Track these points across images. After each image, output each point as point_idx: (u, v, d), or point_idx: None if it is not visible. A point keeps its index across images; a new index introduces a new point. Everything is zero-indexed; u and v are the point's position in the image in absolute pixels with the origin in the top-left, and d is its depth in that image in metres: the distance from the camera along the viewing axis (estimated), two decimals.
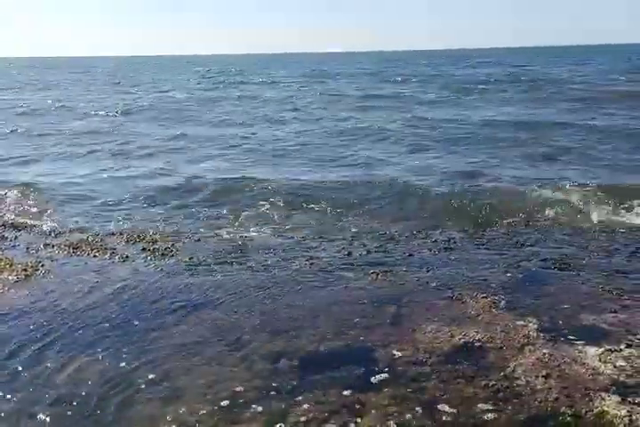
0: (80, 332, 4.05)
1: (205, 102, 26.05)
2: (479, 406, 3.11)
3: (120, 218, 7.63)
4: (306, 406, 3.14)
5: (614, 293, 4.51)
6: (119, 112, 22.27)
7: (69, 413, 3.14)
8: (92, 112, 22.49)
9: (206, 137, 15.65)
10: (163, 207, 8.38)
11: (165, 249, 5.93)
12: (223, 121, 19.42)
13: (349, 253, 5.69)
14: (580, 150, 12.18)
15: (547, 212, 7.51)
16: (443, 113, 19.24)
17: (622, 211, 7.52)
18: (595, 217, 7.31)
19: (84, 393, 3.30)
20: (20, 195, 8.92)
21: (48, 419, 3.09)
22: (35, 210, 8.13)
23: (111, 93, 32.22)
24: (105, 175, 10.97)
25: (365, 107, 22.21)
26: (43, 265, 5.46)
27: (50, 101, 26.97)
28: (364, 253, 5.73)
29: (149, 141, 15.24)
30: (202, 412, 3.12)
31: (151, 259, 5.65)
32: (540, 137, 13.72)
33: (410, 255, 5.58)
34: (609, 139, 13.28)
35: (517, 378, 3.36)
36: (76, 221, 7.47)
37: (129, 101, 26.90)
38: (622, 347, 3.65)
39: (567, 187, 8.58)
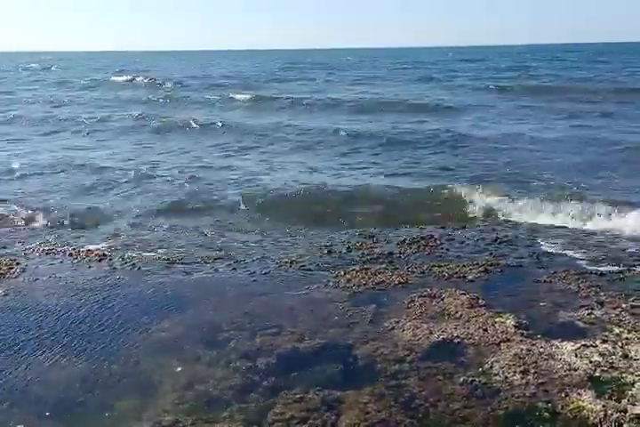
0: (55, 330, 3.98)
1: None
2: (458, 402, 3.13)
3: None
4: (285, 404, 3.13)
5: (590, 290, 4.58)
6: None
7: (45, 412, 3.10)
8: None
9: None
10: (136, 205, 8.27)
11: (142, 247, 5.85)
12: None
13: (329, 252, 5.69)
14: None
15: (522, 210, 7.56)
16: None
17: (597, 211, 7.61)
18: (569, 217, 7.38)
19: (58, 392, 3.25)
20: None
21: (20, 419, 3.03)
22: None
23: None
24: None
25: None
26: (18, 264, 5.36)
27: None
28: (344, 251, 5.73)
29: None
30: (180, 410, 3.09)
31: (128, 257, 5.57)
32: None
33: (389, 253, 5.59)
34: None
35: (495, 374, 3.39)
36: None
37: None
38: (598, 343, 3.70)
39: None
